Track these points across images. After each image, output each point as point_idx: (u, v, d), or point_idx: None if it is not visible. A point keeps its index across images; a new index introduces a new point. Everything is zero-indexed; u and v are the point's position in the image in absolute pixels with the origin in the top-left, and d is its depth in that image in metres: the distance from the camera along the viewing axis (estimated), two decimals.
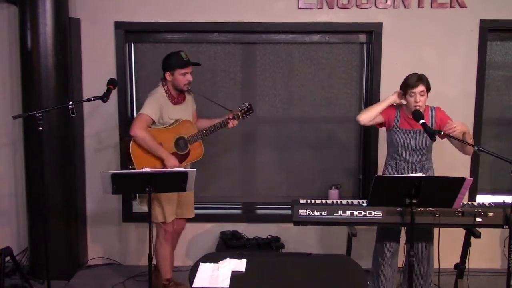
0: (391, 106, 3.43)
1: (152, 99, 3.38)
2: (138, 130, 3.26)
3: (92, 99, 3.37)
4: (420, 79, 3.24)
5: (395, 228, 3.44)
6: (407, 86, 3.25)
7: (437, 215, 3.08)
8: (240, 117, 3.58)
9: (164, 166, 3.35)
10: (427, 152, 3.41)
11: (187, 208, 3.71)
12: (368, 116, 3.39)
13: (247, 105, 3.62)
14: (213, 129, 3.53)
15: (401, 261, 3.57)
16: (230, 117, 3.55)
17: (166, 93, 3.44)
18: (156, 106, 3.35)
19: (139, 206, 4.33)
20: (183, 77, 3.39)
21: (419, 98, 3.22)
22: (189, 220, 4.29)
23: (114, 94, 3.80)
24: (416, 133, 3.34)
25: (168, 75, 3.41)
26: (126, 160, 3.41)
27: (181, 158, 3.46)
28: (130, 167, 3.34)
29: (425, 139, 3.33)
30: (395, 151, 3.43)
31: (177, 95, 3.49)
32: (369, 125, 3.49)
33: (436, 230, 3.38)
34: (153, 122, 3.36)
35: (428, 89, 3.28)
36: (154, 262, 3.61)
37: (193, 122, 3.55)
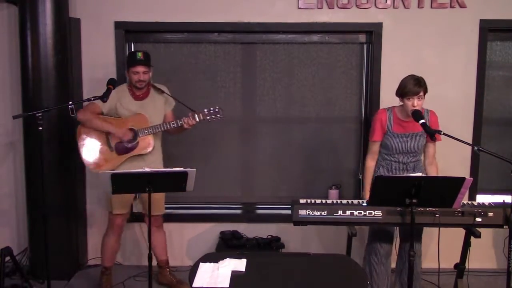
0: (381, 111, 3.44)
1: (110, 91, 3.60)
2: (79, 115, 3.53)
3: (92, 99, 3.38)
4: (419, 84, 3.22)
5: (389, 229, 3.45)
6: (407, 91, 3.23)
7: (437, 215, 3.08)
8: (202, 117, 3.55)
9: (115, 140, 3.56)
10: (419, 154, 3.43)
11: (155, 206, 3.61)
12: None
13: (215, 109, 3.58)
14: (166, 126, 3.57)
15: (393, 262, 3.58)
16: (190, 115, 3.54)
17: (128, 88, 3.64)
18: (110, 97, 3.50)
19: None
20: (134, 75, 3.54)
21: (417, 102, 3.21)
22: (189, 220, 4.31)
23: None
24: (409, 137, 3.35)
25: (126, 72, 3.63)
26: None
27: (128, 149, 3.58)
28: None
29: (417, 141, 3.35)
30: (388, 153, 3.43)
31: (138, 91, 3.62)
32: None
33: (435, 230, 3.39)
34: (102, 112, 3.57)
35: (426, 91, 3.28)
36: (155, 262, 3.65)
37: (147, 117, 3.59)
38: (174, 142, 4.26)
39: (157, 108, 3.68)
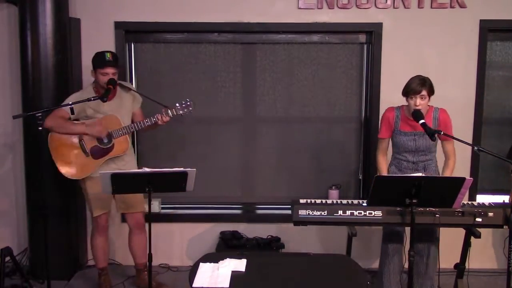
0: (389, 108, 3.44)
1: (73, 95, 3.55)
2: (47, 122, 3.41)
3: (92, 99, 3.38)
4: (423, 84, 3.21)
5: (399, 228, 3.45)
6: (410, 90, 3.23)
7: (437, 215, 3.08)
8: (175, 113, 3.50)
9: (90, 144, 3.49)
10: (429, 153, 3.40)
11: (132, 203, 3.67)
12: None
13: (186, 102, 3.52)
14: (141, 124, 3.50)
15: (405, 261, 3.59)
16: (163, 112, 3.51)
17: (94, 89, 3.55)
18: (74, 101, 3.42)
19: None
20: (103, 76, 3.46)
21: (419, 101, 3.21)
22: (189, 220, 4.31)
23: None
24: (417, 135, 3.34)
25: (92, 74, 3.54)
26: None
27: (104, 151, 3.52)
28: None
29: (426, 140, 3.32)
30: (397, 151, 3.44)
31: None
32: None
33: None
34: (70, 118, 3.49)
35: (431, 92, 3.26)
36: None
37: (119, 118, 3.53)
38: (174, 142, 4.26)
39: (125, 107, 3.62)
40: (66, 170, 3.54)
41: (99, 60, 3.48)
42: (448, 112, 3.41)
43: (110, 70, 3.45)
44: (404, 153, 3.40)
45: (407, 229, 3.50)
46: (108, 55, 3.48)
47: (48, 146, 3.50)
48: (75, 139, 3.51)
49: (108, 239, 3.84)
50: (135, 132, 3.68)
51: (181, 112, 3.51)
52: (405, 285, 3.56)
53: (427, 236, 3.40)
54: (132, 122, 3.61)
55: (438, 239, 3.48)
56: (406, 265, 3.52)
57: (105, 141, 3.52)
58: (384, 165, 3.50)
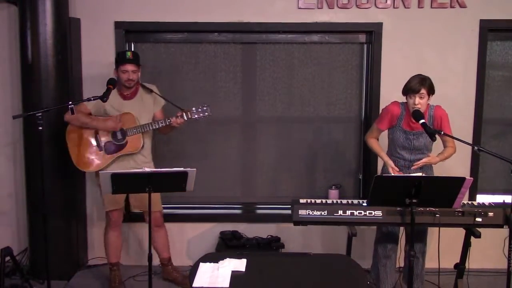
0: (396, 103, 3.43)
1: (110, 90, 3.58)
2: (67, 114, 3.51)
3: (92, 99, 3.38)
4: (422, 83, 3.21)
5: (394, 228, 3.45)
6: (409, 89, 3.24)
7: (437, 215, 3.09)
8: (190, 116, 3.55)
9: (104, 139, 3.57)
10: (426, 152, 3.40)
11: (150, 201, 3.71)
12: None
13: (202, 107, 3.57)
14: (155, 124, 3.57)
15: (400, 261, 3.59)
16: (178, 114, 3.56)
17: (116, 87, 3.59)
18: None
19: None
20: (124, 74, 3.55)
21: (418, 100, 3.21)
22: (189, 220, 4.31)
23: None
24: (416, 135, 3.34)
25: (114, 72, 3.62)
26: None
27: (117, 148, 3.60)
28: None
29: (424, 140, 3.33)
30: (395, 149, 3.44)
31: (126, 91, 3.63)
32: None
33: (435, 230, 3.39)
34: (90, 113, 3.59)
35: (431, 91, 3.26)
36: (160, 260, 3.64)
37: (134, 116, 3.59)
38: (174, 142, 4.26)
39: (145, 108, 3.68)
40: (78, 163, 3.61)
41: (120, 58, 3.57)
42: (447, 111, 3.41)
43: (130, 67, 3.53)
44: (400, 151, 3.40)
45: (402, 229, 3.53)
46: (129, 54, 3.58)
47: (66, 138, 3.59)
48: (92, 133, 3.59)
49: (121, 235, 3.87)
50: (151, 132, 3.71)
51: (196, 116, 3.57)
52: (403, 284, 3.59)
53: (418, 237, 3.40)
54: None
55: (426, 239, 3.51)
56: (399, 264, 3.57)
57: (119, 137, 3.58)
58: (377, 145, 3.51)
